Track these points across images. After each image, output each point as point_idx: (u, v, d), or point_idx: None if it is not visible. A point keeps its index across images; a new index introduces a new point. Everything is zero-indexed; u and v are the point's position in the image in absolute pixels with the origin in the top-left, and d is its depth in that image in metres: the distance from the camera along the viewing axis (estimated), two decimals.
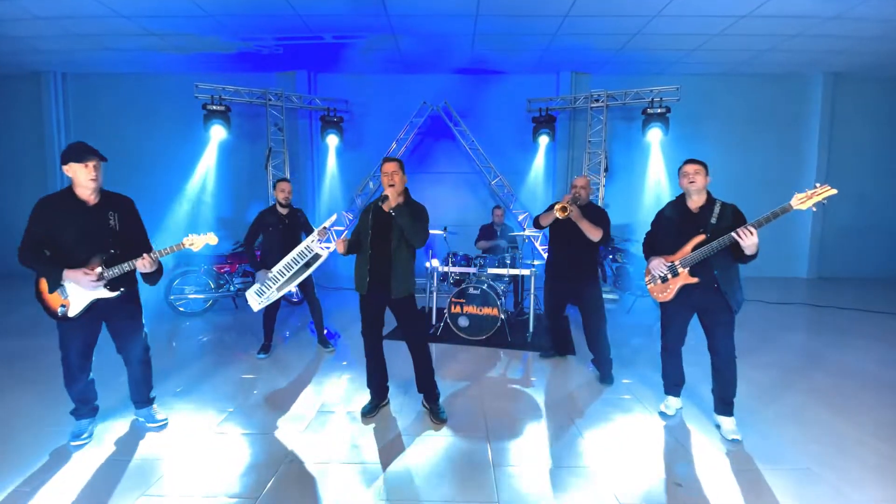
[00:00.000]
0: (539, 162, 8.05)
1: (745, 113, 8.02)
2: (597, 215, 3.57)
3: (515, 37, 6.46)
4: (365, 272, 2.88)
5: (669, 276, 2.81)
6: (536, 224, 3.77)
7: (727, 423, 2.78)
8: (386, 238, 2.86)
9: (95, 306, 2.54)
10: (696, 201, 2.76)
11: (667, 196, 7.68)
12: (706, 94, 7.92)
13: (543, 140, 7.36)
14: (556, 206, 3.46)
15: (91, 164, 2.41)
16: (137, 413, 2.88)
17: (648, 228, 3.06)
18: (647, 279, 2.96)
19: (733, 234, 2.51)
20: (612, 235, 3.65)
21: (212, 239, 2.59)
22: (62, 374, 2.62)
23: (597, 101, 7.20)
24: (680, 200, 2.86)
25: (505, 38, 6.54)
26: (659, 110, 6.67)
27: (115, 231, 2.52)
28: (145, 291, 2.81)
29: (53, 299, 2.48)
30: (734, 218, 2.64)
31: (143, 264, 2.49)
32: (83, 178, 2.41)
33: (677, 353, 3.02)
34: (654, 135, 6.81)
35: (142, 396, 2.85)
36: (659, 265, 2.83)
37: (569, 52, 7.00)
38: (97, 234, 2.47)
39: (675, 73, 7.65)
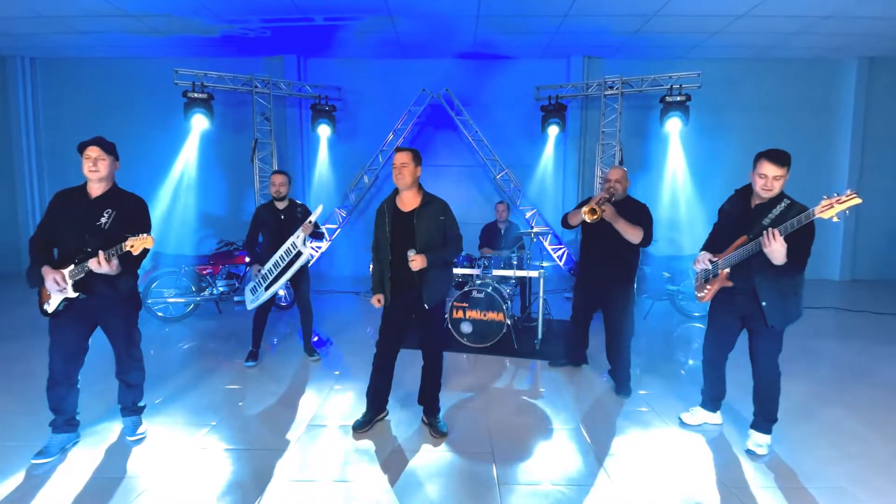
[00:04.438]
0: (548, 154, 8.06)
1: (772, 101, 8.01)
2: (636, 212, 3.41)
3: (522, 18, 6.46)
4: (386, 280, 2.89)
5: (711, 275, 2.80)
6: (565, 223, 3.68)
7: (758, 436, 2.78)
8: (409, 242, 2.84)
9: (75, 306, 2.58)
10: (758, 198, 2.66)
11: (686, 192, 7.69)
12: (730, 81, 7.90)
13: (553, 130, 7.36)
14: (584, 209, 3.32)
15: (92, 155, 2.52)
16: (122, 420, 2.93)
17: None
18: (695, 280, 2.95)
19: (760, 238, 2.46)
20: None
21: (148, 242, 2.56)
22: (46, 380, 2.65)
23: (611, 88, 7.19)
24: (743, 193, 2.78)
25: (511, 20, 6.54)
26: (678, 98, 6.66)
27: (100, 229, 2.54)
28: None
29: (45, 292, 2.60)
30: (797, 223, 2.40)
31: (93, 264, 2.47)
32: (84, 170, 2.55)
33: (716, 363, 3.00)
34: (673, 125, 6.79)
35: (128, 403, 2.89)
36: (703, 260, 2.83)
37: (580, 34, 7.00)
38: (83, 229, 2.54)
39: (695, 58, 7.65)
